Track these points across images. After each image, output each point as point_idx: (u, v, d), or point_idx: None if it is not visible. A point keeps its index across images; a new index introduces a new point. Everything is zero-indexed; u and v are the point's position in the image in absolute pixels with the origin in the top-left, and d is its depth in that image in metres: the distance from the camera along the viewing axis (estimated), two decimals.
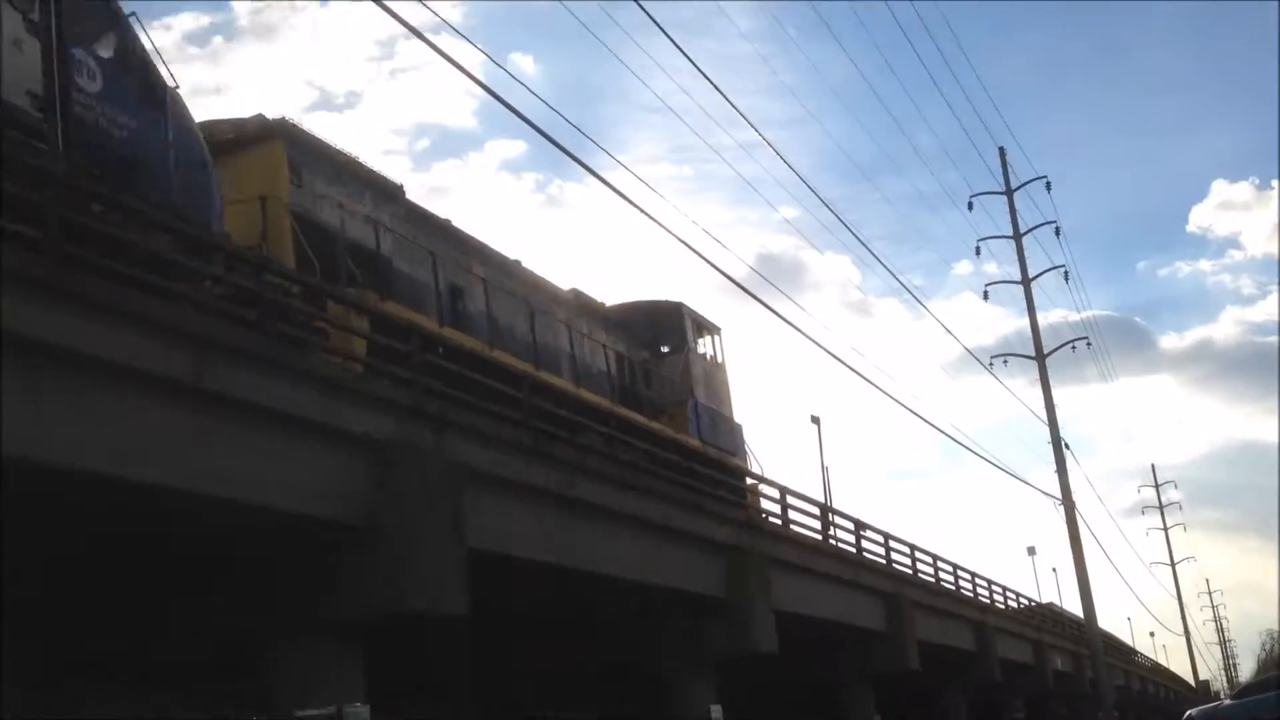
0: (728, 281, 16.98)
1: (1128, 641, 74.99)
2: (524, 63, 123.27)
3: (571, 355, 21.58)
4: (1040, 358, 38.31)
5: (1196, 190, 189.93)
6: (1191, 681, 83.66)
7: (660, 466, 18.89)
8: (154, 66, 12.43)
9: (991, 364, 39.01)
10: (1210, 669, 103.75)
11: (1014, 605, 41.38)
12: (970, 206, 39.81)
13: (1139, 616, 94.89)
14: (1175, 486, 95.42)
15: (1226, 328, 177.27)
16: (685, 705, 19.67)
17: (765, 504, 23.93)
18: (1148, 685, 67.14)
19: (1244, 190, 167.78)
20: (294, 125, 16.08)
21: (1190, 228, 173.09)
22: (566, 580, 16.53)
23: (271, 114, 15.69)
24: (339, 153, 16.91)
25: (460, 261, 19.07)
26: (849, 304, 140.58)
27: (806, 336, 19.23)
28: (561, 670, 23.47)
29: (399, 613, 11.99)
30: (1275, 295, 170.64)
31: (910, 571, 29.64)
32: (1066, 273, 43.38)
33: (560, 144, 12.57)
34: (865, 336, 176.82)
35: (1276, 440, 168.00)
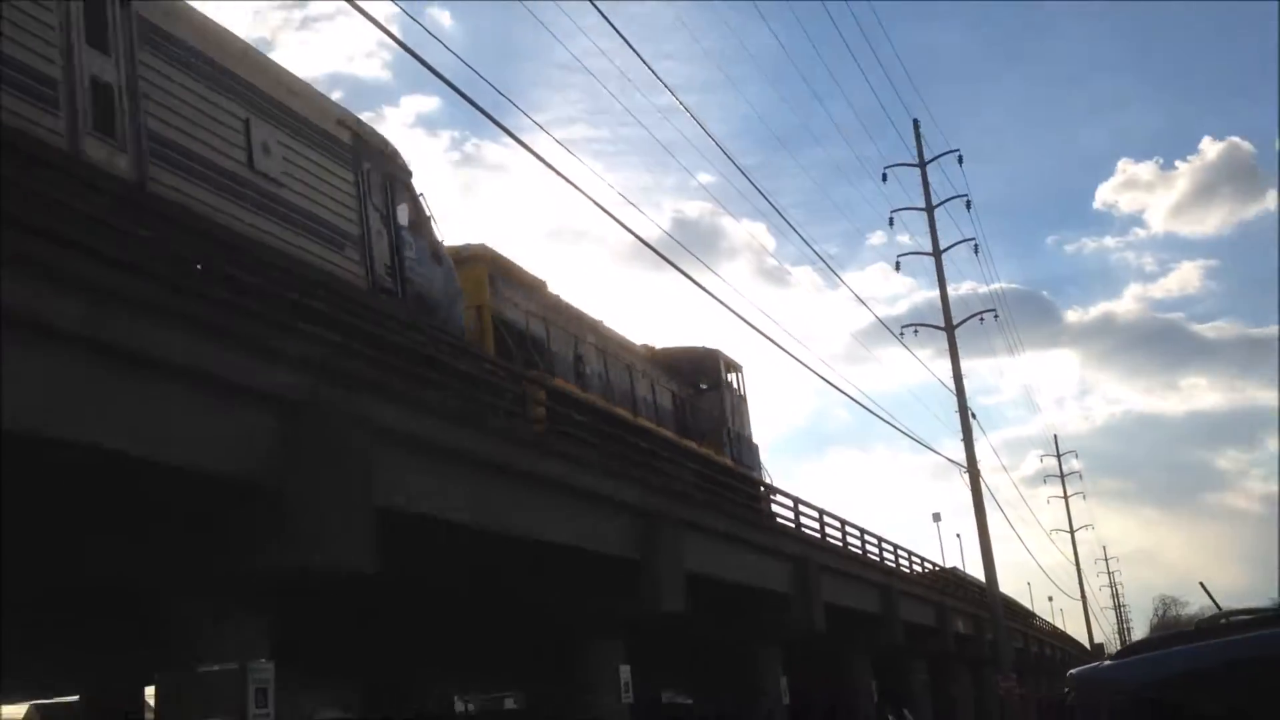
0: (642, 246, 17.07)
1: (1027, 606, 77.15)
2: (441, 17, 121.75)
3: (652, 402, 27.22)
4: (949, 328, 39.04)
5: (1103, 169, 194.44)
6: (1087, 644, 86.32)
7: (586, 432, 18.96)
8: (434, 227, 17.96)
9: (902, 334, 39.67)
10: (1105, 632, 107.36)
11: (919, 570, 42.22)
12: (884, 178, 40.38)
13: (1039, 582, 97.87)
14: (1076, 457, 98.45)
15: (1128, 304, 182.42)
16: (594, 666, 19.80)
17: (679, 470, 24.17)
18: (1045, 648, 69.10)
19: (1148, 170, 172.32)
20: (491, 249, 21.68)
21: (1096, 205, 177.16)
22: (479, 542, 16.51)
23: (476, 240, 21.42)
24: (513, 264, 22.52)
25: (578, 333, 24.38)
26: (764, 271, 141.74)
27: (720, 302, 19.36)
28: (471, 634, 23.55)
29: (303, 567, 11.86)
30: (1177, 273, 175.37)
31: (819, 536, 30.07)
32: (976, 246, 44.23)
33: (476, 102, 12.46)
34: (781, 304, 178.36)
35: (1176, 414, 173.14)
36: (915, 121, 41.21)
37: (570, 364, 23.21)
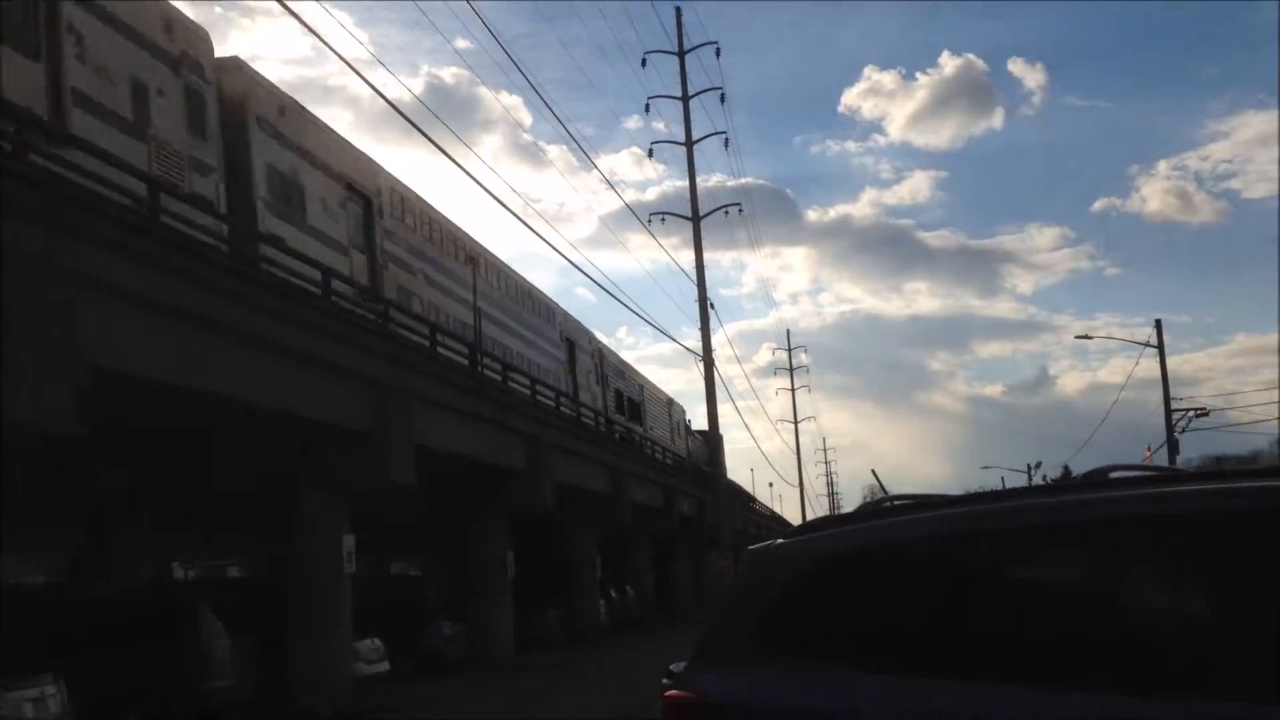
0: (394, 112, 16.52)
1: (750, 491, 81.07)
2: None
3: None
4: (695, 219, 39.82)
5: (851, 74, 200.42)
6: None
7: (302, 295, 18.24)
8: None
9: (650, 221, 40.24)
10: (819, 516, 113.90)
11: (649, 452, 43.51)
12: (644, 63, 40.41)
13: (761, 468, 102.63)
14: (805, 352, 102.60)
15: (864, 208, 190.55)
16: (319, 535, 19.50)
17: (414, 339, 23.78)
18: (763, 530, 72.86)
19: (891, 78, 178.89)
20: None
21: (841, 109, 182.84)
22: (200, 406, 15.86)
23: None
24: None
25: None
26: (519, 147, 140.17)
27: (471, 177, 19.04)
28: (191, 500, 22.79)
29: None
30: (910, 181, 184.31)
31: (553, 413, 30.46)
32: (727, 139, 45.12)
33: None
34: (533, 183, 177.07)
35: (898, 317, 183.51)
36: (678, 10, 41.36)
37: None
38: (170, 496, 22.03)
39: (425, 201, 27.00)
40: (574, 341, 38.97)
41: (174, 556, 37.12)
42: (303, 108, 21.40)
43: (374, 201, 23.52)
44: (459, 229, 29.20)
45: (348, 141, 23.48)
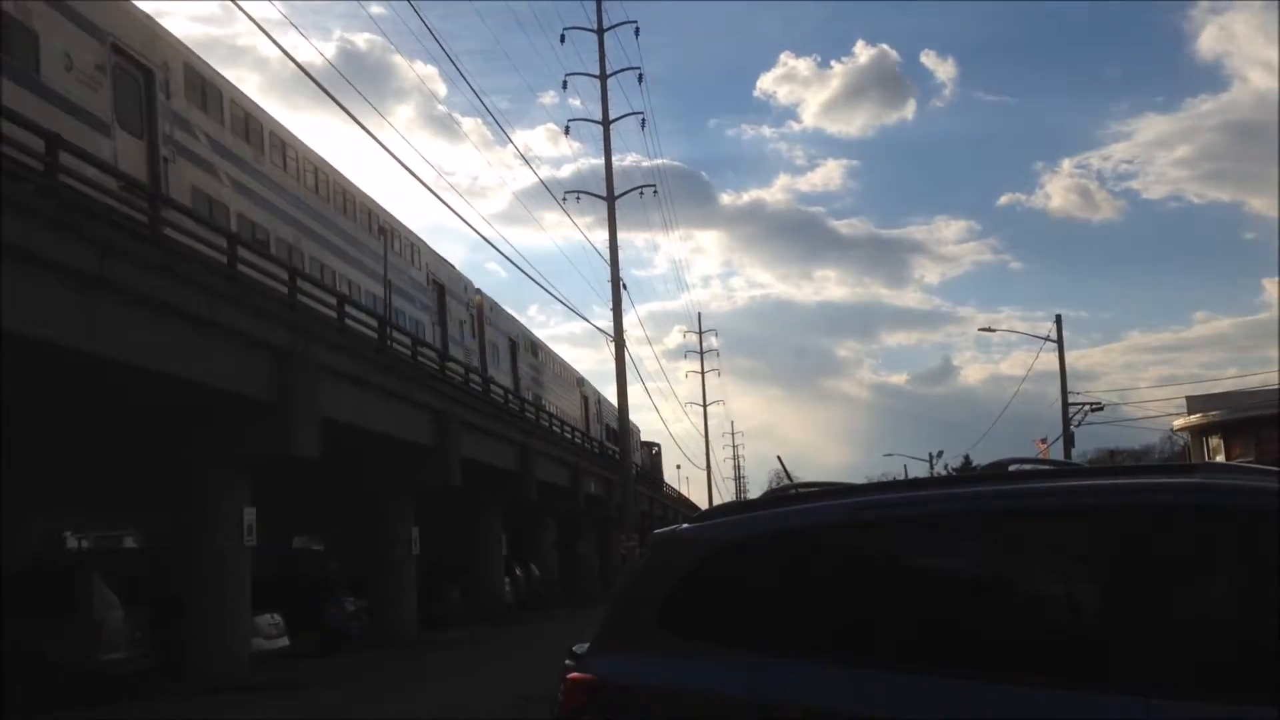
0: (305, 77, 16.19)
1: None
2: None
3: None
4: (610, 199, 39.77)
5: (768, 59, 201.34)
6: None
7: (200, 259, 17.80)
8: None
9: (565, 199, 40.13)
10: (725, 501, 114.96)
11: (557, 431, 43.50)
12: (563, 39, 40.24)
13: (668, 450, 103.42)
14: (716, 335, 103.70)
15: (777, 193, 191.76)
16: (219, 506, 19.17)
17: (322, 309, 23.39)
18: (669, 511, 73.35)
19: (807, 65, 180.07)
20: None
21: (756, 93, 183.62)
22: (90, 371, 15.45)
23: None
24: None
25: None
26: (433, 119, 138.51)
27: (382, 145, 18.80)
28: (85, 468, 22.21)
29: None
30: (823, 169, 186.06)
31: (462, 389, 30.28)
32: (644, 120, 45.04)
33: None
34: (447, 156, 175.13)
35: (808, 303, 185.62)
36: None
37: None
38: (63, 464, 21.44)
39: (243, 94, 23.92)
40: (445, 287, 36.35)
41: (66, 526, 36.24)
42: None
43: (157, 76, 19.58)
44: (292, 136, 26.08)
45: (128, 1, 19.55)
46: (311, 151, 26.95)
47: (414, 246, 34.15)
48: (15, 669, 15.80)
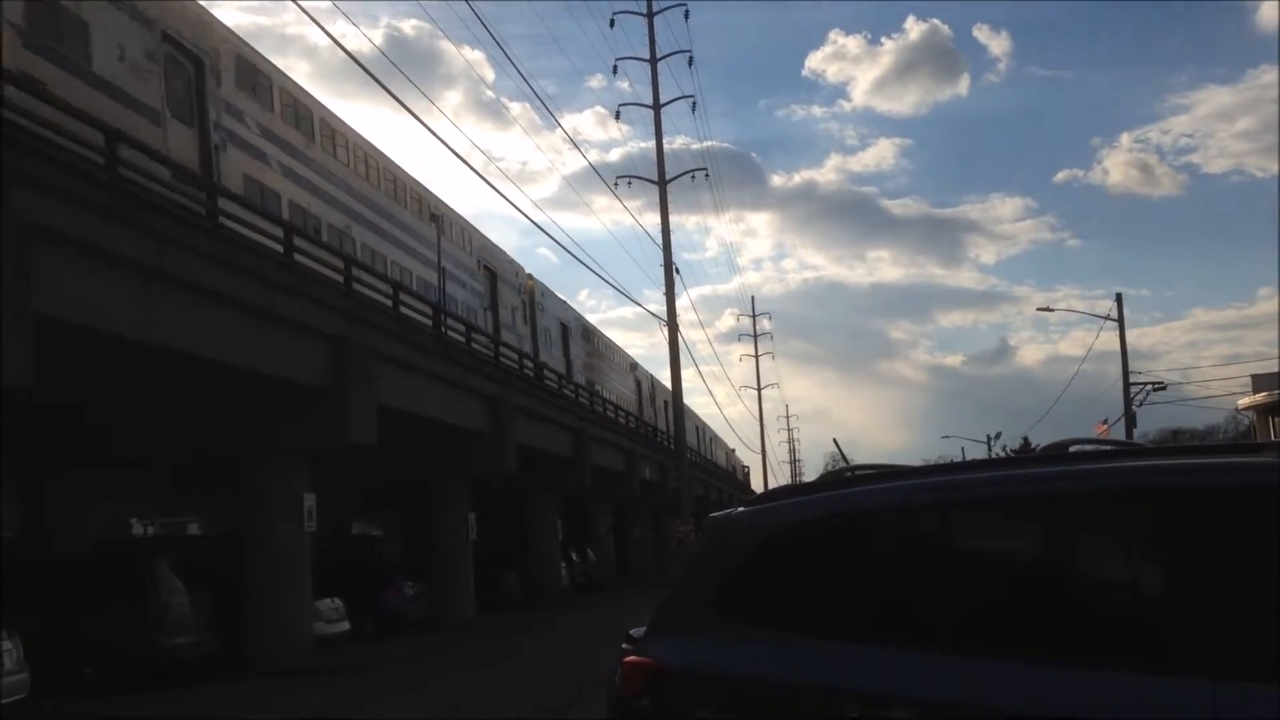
0: (354, 64, 16.28)
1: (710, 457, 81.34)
2: None
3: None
4: (662, 183, 39.62)
5: (816, 37, 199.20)
6: None
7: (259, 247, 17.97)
8: None
9: (616, 184, 40.03)
10: (780, 484, 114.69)
11: (611, 416, 43.57)
12: (612, 24, 40.12)
13: (723, 433, 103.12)
14: (769, 318, 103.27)
15: (829, 174, 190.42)
16: (280, 493, 19.43)
17: (377, 297, 23.57)
18: (724, 496, 73.29)
19: (857, 43, 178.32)
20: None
21: (804, 72, 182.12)
22: (150, 359, 15.68)
23: None
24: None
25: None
26: (482, 104, 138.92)
27: (431, 132, 18.85)
28: (150, 456, 22.55)
29: None
30: (875, 148, 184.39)
31: (517, 375, 30.39)
32: (695, 103, 44.85)
33: None
34: (496, 141, 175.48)
35: (861, 284, 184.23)
36: None
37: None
38: (129, 452, 21.79)
39: (292, 81, 23.88)
40: (496, 272, 36.23)
41: (133, 513, 36.92)
42: None
43: (207, 64, 19.58)
44: (341, 123, 26.02)
45: None
46: (361, 138, 26.90)
47: (465, 232, 34.00)
48: (84, 654, 16.16)
